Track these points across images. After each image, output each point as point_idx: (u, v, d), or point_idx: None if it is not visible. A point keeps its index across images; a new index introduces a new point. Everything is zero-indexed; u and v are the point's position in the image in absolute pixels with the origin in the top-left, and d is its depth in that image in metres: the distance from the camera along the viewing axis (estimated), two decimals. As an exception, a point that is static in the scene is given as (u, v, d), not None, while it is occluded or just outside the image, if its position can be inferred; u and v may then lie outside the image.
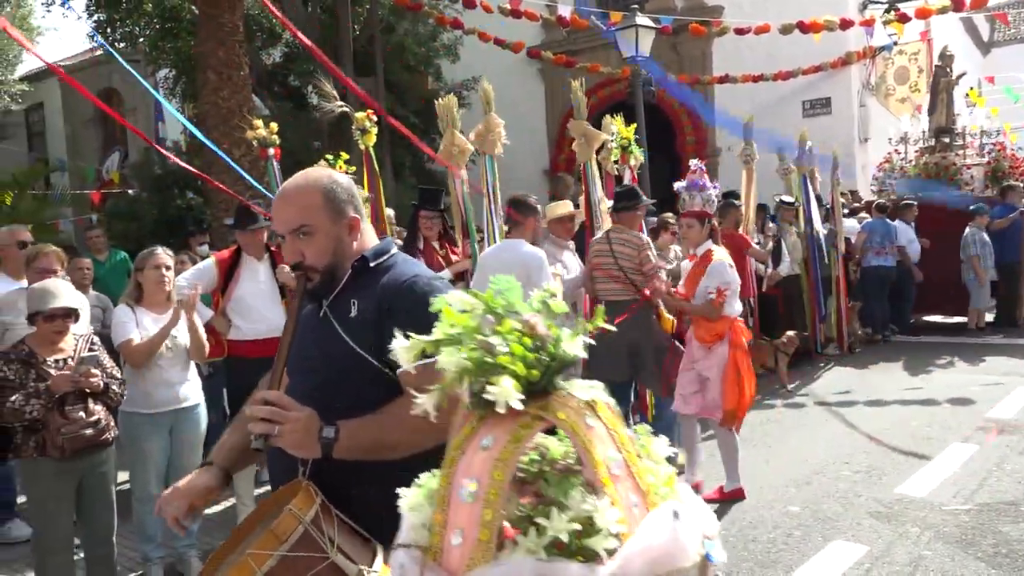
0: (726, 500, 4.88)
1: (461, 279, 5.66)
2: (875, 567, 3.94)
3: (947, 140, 12.45)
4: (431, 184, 8.82)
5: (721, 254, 4.98)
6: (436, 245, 5.67)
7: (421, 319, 1.83)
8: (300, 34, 6.74)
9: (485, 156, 5.56)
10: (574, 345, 0.61)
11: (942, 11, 12.34)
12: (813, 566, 4.00)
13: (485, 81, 5.87)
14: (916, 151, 12.74)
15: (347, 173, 4.26)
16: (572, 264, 5.91)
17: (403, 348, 0.75)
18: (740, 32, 13.36)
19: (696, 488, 4.97)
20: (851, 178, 13.01)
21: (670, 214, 8.38)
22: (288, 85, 16.13)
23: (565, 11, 13.68)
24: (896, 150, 13.09)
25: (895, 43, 14.59)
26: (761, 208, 9.54)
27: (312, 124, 14.59)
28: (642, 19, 10.87)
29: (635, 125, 6.24)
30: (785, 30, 12.96)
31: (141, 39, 15.51)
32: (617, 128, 6.09)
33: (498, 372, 0.53)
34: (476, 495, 0.52)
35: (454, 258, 5.75)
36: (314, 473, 1.79)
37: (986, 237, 10.24)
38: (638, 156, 6.30)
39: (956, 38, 20.90)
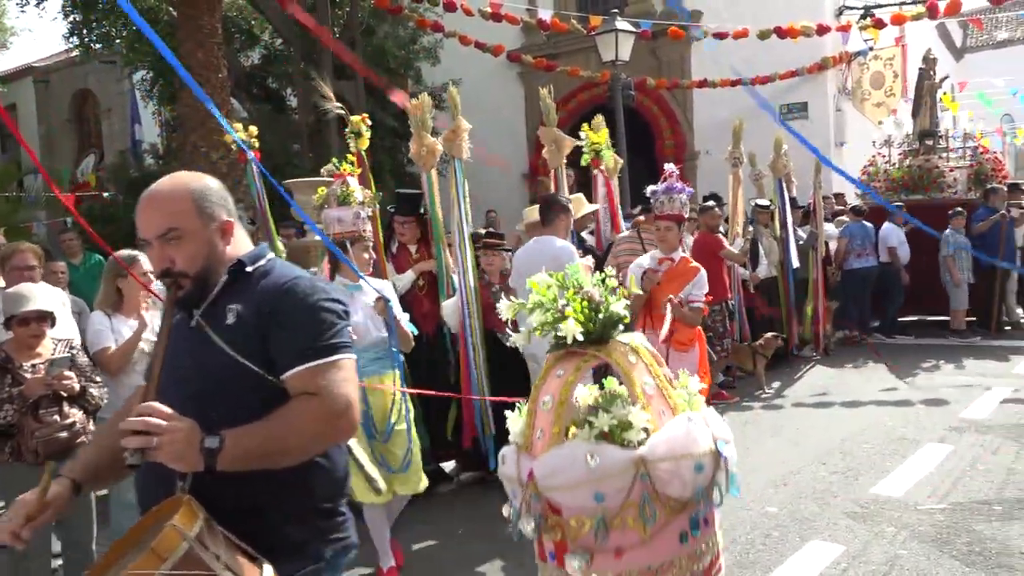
0: None
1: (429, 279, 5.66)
2: (852, 567, 3.99)
3: (930, 143, 12.61)
4: (412, 187, 8.79)
5: (695, 262, 5.12)
6: (413, 248, 5.66)
7: (306, 320, 1.82)
8: (334, 43, 6.67)
9: (454, 160, 5.56)
10: (620, 306, 0.85)
11: (917, 17, 12.54)
12: (791, 566, 4.04)
13: (452, 86, 5.87)
14: (899, 154, 12.89)
15: (352, 175, 4.25)
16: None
17: (504, 307, 0.97)
18: (719, 36, 13.46)
19: None
20: (827, 182, 13.13)
21: (643, 216, 8.44)
22: (267, 87, 16.07)
23: (545, 15, 13.74)
24: (880, 153, 13.25)
25: (870, 48, 14.80)
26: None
27: (291, 127, 14.54)
28: (622, 24, 10.95)
29: (606, 130, 6.27)
30: (763, 35, 13.10)
31: (118, 40, 15.40)
32: (587, 134, 6.13)
33: (564, 319, 0.78)
34: (550, 405, 0.76)
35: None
36: (195, 487, 1.69)
37: (963, 239, 10.36)
38: (609, 160, 6.33)
39: (930, 44, 21.21)
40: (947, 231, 10.34)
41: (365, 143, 5.24)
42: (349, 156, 4.50)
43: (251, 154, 5.07)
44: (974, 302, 10.66)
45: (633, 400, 0.73)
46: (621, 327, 0.77)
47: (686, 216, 5.09)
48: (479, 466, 5.70)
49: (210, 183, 1.95)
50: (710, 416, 0.76)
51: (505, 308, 0.93)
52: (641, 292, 4.79)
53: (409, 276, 5.51)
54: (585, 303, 0.81)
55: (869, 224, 10.68)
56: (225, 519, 1.68)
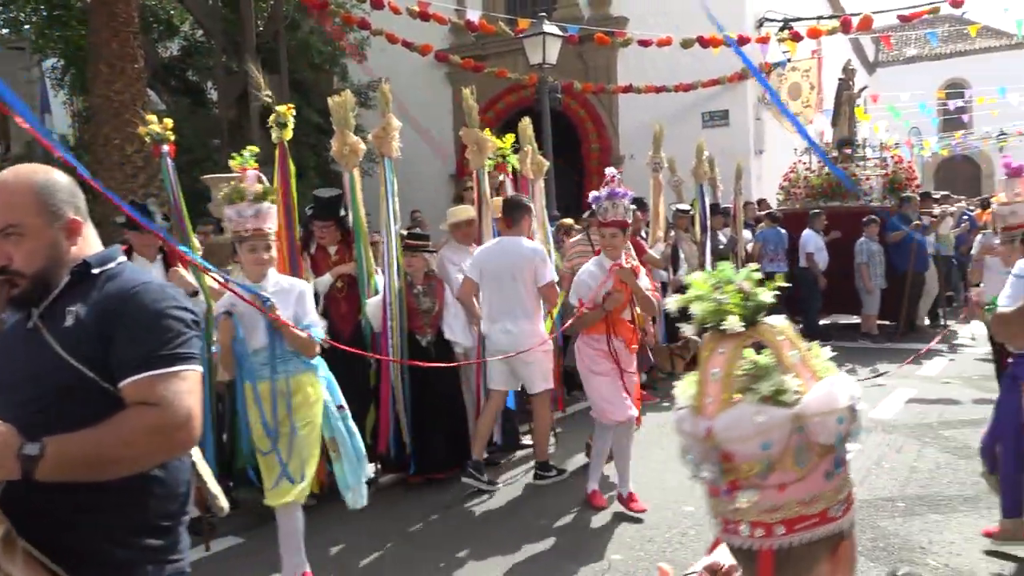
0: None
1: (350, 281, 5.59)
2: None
3: (848, 151, 13.07)
4: (337, 185, 8.63)
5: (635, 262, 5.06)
6: (332, 250, 5.56)
7: (151, 327, 1.74)
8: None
9: (383, 158, 5.50)
10: (767, 295, 1.15)
11: (831, 32, 13.02)
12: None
13: (384, 83, 5.80)
14: (819, 162, 13.35)
15: (256, 169, 4.10)
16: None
17: (673, 302, 1.26)
18: (643, 44, 13.70)
19: (594, 497, 4.99)
20: (747, 188, 13.50)
21: (570, 219, 8.50)
22: (186, 80, 15.60)
23: (473, 16, 13.72)
24: (800, 160, 13.70)
25: (788, 60, 15.27)
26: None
27: (211, 120, 14.15)
28: (549, 27, 11.02)
29: (512, 137, 6.30)
30: (685, 44, 13.39)
31: (26, 26, 14.72)
32: (491, 140, 6.12)
33: (726, 313, 1.12)
34: (719, 376, 1.08)
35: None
36: (9, 495, 1.59)
37: (875, 247, 10.75)
38: (514, 164, 6.39)
39: (844, 57, 22.03)
40: (861, 239, 10.75)
41: (288, 134, 5.11)
42: (251, 148, 4.31)
43: (164, 147, 4.89)
44: (886, 307, 11.10)
45: (784, 370, 1.06)
46: (765, 312, 1.11)
47: (630, 221, 4.97)
48: (399, 469, 5.64)
49: (58, 178, 1.84)
50: (844, 379, 1.09)
51: (674, 303, 1.22)
52: (603, 309, 4.73)
53: (327, 279, 5.41)
54: (739, 294, 1.12)
55: (783, 230, 11.04)
56: (42, 532, 1.59)
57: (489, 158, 6.24)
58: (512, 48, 14.26)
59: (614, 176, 4.95)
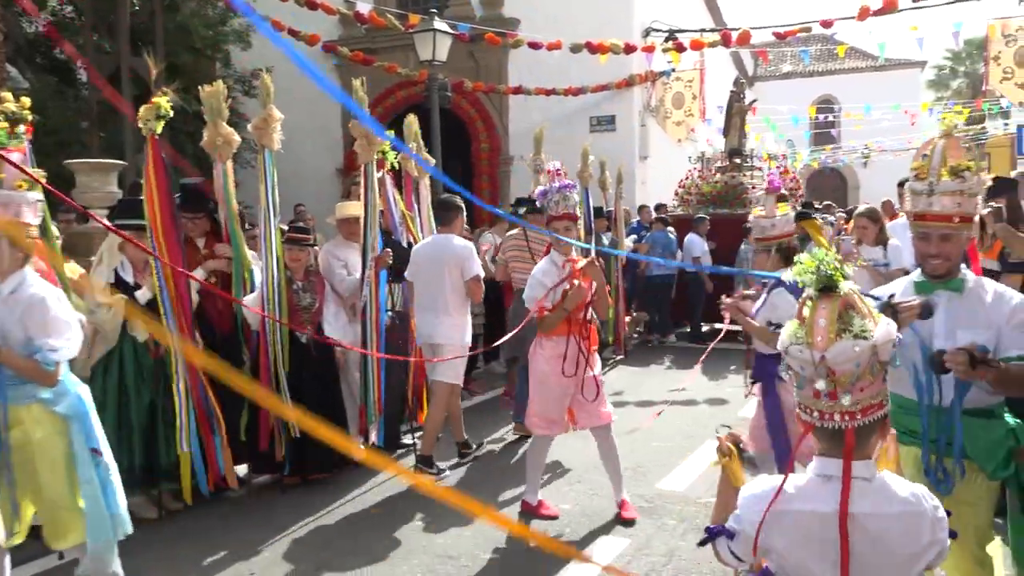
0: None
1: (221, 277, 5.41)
2: (635, 558, 4.20)
3: (738, 161, 13.59)
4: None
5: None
6: (201, 243, 5.34)
7: None
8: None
9: (264, 150, 5.32)
10: (848, 270, 1.78)
11: (713, 44, 13.53)
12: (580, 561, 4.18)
13: (266, 74, 5.62)
14: (712, 170, 13.84)
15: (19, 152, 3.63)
16: (356, 264, 5.83)
17: (795, 271, 1.84)
18: (533, 46, 13.84)
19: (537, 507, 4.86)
20: (631, 193, 13.86)
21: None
22: (53, 58, 14.65)
23: (364, 8, 13.50)
24: (695, 168, 14.17)
25: (673, 70, 15.77)
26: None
27: (80, 102, 13.36)
28: (440, 24, 10.95)
29: (391, 132, 6.25)
30: (575, 49, 13.61)
31: None
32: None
33: (831, 281, 1.74)
34: (824, 324, 1.69)
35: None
36: None
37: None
38: (393, 162, 6.35)
39: (726, 70, 22.95)
40: (743, 246, 11.18)
41: (160, 127, 4.86)
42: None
43: (20, 128, 4.53)
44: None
45: (864, 316, 1.72)
46: (844, 278, 1.77)
47: (579, 215, 4.82)
48: (273, 469, 5.47)
49: None
50: (889, 321, 1.76)
51: (789, 274, 1.92)
52: (564, 309, 4.48)
53: (199, 274, 5.18)
54: (838, 269, 1.75)
55: (672, 234, 11.40)
56: None
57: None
58: (403, 43, 14.09)
59: (559, 169, 4.82)
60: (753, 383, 4.26)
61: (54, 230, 4.73)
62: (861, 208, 6.60)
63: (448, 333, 5.66)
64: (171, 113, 4.85)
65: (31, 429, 3.26)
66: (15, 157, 3.32)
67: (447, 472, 5.77)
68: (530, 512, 4.85)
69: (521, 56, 15.03)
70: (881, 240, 6.13)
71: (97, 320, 4.73)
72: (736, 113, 14.01)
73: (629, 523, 4.69)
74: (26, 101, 4.62)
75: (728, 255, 11.28)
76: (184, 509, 5.04)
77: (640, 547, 4.34)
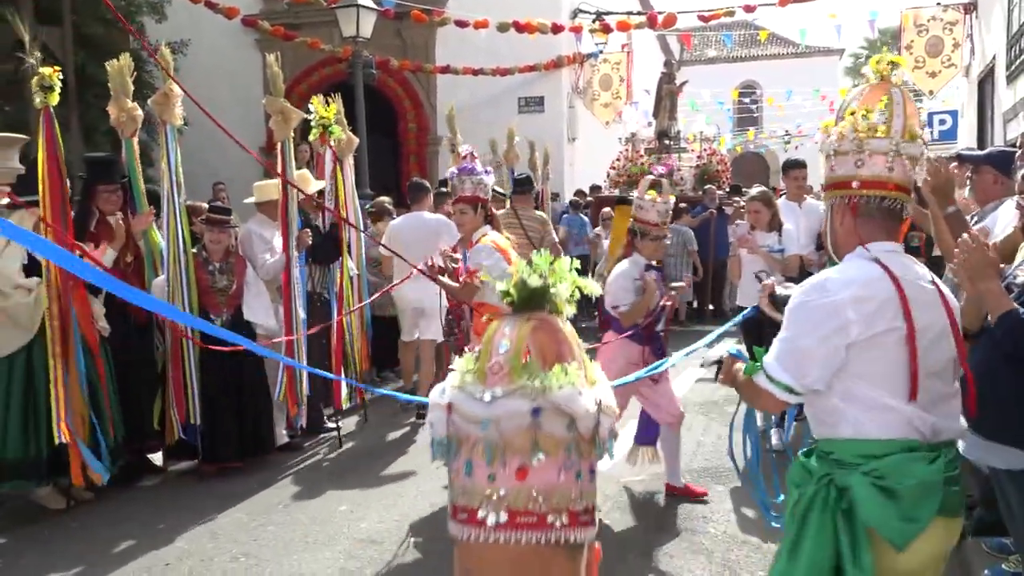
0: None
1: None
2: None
3: (667, 143, 13.72)
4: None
5: (491, 238, 4.66)
6: (113, 221, 5.11)
7: None
8: None
9: (165, 125, 5.13)
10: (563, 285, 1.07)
11: (639, 26, 13.63)
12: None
13: (166, 48, 5.41)
14: (640, 151, 13.95)
15: None
16: (279, 245, 5.67)
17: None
18: (460, 24, 13.68)
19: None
20: (559, 175, 13.90)
21: (387, 199, 8.35)
22: (-50, 26, 13.79)
23: (285, -20, 13.13)
24: (625, 150, 14.26)
25: (601, 52, 15.82)
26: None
27: (-21, 74, 12.62)
28: (364, -1, 10.72)
29: (335, 106, 6.06)
30: (502, 28, 13.51)
31: None
32: (316, 108, 5.90)
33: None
34: (507, 351, 0.98)
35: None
36: None
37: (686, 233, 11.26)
38: (340, 136, 6.15)
39: (653, 54, 23.18)
40: (675, 226, 11.31)
41: (55, 99, 4.64)
42: None
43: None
44: (697, 294, 11.76)
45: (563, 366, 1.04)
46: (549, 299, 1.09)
47: (486, 198, 4.75)
48: (191, 455, 5.31)
49: None
50: (600, 389, 1.02)
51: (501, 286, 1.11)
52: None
53: (110, 255, 4.95)
54: (546, 280, 1.08)
55: (585, 217, 11.50)
56: None
57: (314, 129, 5.98)
58: (327, 19, 13.73)
59: (470, 152, 4.78)
60: None
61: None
62: (753, 191, 6.20)
63: (432, 298, 6.02)
64: (58, 84, 4.62)
65: None
66: None
67: None
68: None
69: (449, 35, 14.85)
70: (775, 225, 5.79)
71: (9, 306, 4.48)
72: (666, 95, 14.15)
73: None
74: None
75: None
76: (96, 499, 4.85)
77: (565, 527, 4.35)
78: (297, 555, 4.08)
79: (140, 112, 5.15)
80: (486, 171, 4.70)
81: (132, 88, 5.12)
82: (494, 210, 4.95)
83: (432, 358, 6.75)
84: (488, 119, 10.90)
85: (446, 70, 14.92)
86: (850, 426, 1.99)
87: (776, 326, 2.18)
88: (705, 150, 14.36)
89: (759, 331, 4.31)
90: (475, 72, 14.75)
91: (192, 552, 4.14)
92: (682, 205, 11.51)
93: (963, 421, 2.12)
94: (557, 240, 7.53)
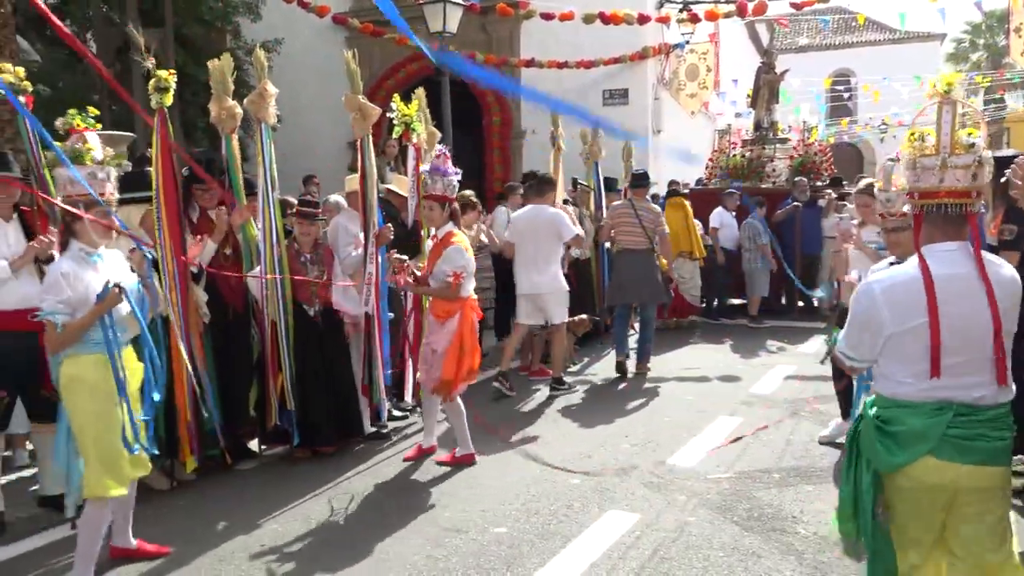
0: (458, 464, 5.29)
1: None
2: (645, 534, 4.18)
3: (763, 134, 13.38)
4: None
5: (460, 238, 5.15)
6: (214, 214, 5.31)
7: None
8: None
9: (260, 124, 5.30)
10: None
11: (728, 15, 13.30)
12: (589, 535, 4.17)
13: (260, 49, 5.60)
14: (740, 143, 13.67)
15: (91, 130, 3.77)
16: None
17: None
18: (546, 17, 13.65)
19: (429, 452, 5.43)
20: (643, 167, 13.71)
21: (471, 192, 8.41)
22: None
23: (374, -21, 13.34)
24: (732, 141, 13.99)
25: (687, 42, 15.55)
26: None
27: (90, 75, 13.30)
28: (451, -5, 10.80)
29: (416, 103, 6.14)
30: (587, 19, 13.42)
31: None
32: (397, 106, 6.00)
33: None
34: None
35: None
36: None
37: (759, 226, 10.97)
38: (422, 133, 6.23)
39: (741, 43, 22.64)
40: (747, 219, 11.05)
41: (168, 100, 4.84)
42: (92, 110, 4.00)
43: (18, 100, 4.49)
44: (774, 287, 11.44)
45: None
46: None
47: (452, 197, 5.20)
48: (284, 441, 5.49)
49: None
50: None
51: None
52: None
53: (211, 247, 5.16)
54: None
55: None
56: None
57: (394, 125, 6.10)
58: (413, 15, 13.91)
59: (443, 152, 5.17)
60: None
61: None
62: (861, 184, 5.90)
63: (550, 283, 7.09)
64: (172, 85, 4.81)
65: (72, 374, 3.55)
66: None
67: (576, 387, 7.39)
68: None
69: (533, 29, 14.84)
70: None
71: None
72: (764, 85, 13.75)
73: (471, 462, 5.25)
74: (20, 71, 4.60)
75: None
76: (196, 481, 5.07)
77: (649, 523, 4.32)
78: (385, 541, 4.17)
79: (239, 110, 5.31)
80: (456, 172, 5.11)
81: (232, 87, 5.29)
82: (454, 208, 5.27)
83: (562, 340, 7.37)
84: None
85: (530, 64, 14.91)
86: (883, 387, 2.56)
87: None
88: (801, 140, 13.90)
89: None
90: (559, 65, 14.68)
91: (285, 534, 4.29)
92: (755, 198, 11.18)
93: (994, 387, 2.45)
94: (665, 228, 8.11)
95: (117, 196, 3.77)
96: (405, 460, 5.44)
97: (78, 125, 3.82)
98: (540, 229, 7.10)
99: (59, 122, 3.92)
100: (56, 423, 4.27)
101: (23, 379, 4.38)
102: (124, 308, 3.61)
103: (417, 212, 6.22)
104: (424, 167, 5.19)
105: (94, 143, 3.64)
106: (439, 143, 6.39)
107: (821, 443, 5.17)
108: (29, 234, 4.47)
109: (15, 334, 4.27)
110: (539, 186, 7.43)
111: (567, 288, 7.31)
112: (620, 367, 7.88)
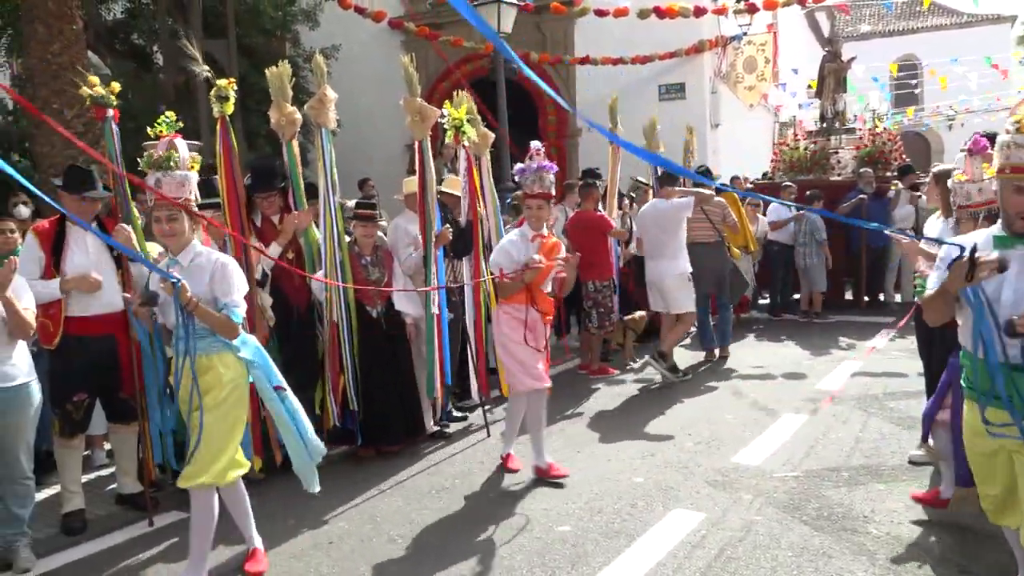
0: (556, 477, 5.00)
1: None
2: (711, 533, 4.13)
3: (836, 124, 13.08)
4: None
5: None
6: (277, 220, 5.43)
7: None
8: None
9: (320, 129, 5.38)
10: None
11: (787, 4, 13.03)
12: (654, 534, 4.14)
13: (318, 54, 5.69)
14: (802, 135, 13.41)
15: (177, 136, 3.91)
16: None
17: None
18: (600, 13, 13.58)
19: (549, 470, 5.00)
20: (702, 162, 13.54)
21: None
22: (131, 44, 15.07)
23: (428, -18, 13.48)
24: (796, 134, 13.74)
25: (745, 34, 15.30)
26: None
27: (157, 87, 13.73)
28: (505, -5, 10.84)
29: (466, 106, 6.15)
30: (642, 14, 13.32)
31: (-40, -15, 14.03)
32: (448, 110, 6.03)
33: None
34: None
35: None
36: None
37: (817, 221, 10.69)
38: (472, 136, 6.25)
39: (800, 32, 22.18)
40: (805, 214, 10.77)
41: (230, 108, 4.96)
42: (168, 114, 4.10)
43: (109, 112, 4.69)
44: (837, 281, 11.16)
45: None
46: None
47: (554, 194, 5.11)
48: (349, 440, 5.58)
49: None
50: None
51: None
52: (523, 280, 4.80)
53: (275, 250, 5.27)
54: None
55: None
56: None
57: (445, 128, 6.14)
58: (468, 17, 14.02)
59: (539, 149, 5.08)
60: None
61: (135, 211, 4.88)
62: (939, 168, 5.33)
63: (673, 277, 7.55)
64: (233, 94, 4.93)
65: (222, 371, 3.61)
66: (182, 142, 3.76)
67: (690, 375, 7.66)
68: (541, 475, 5.02)
69: (587, 26, 14.79)
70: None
71: None
72: (829, 74, 13.41)
73: (561, 483, 4.89)
74: (116, 86, 4.77)
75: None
76: (264, 479, 5.18)
77: (715, 522, 4.27)
78: (453, 540, 4.21)
79: (299, 116, 5.40)
80: (552, 167, 5.01)
81: (291, 93, 5.39)
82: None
83: (684, 325, 7.78)
84: (628, 108, 10.69)
85: (585, 61, 14.87)
86: (964, 342, 2.94)
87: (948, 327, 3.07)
88: (868, 130, 13.50)
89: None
90: (614, 62, 14.61)
91: (353, 532, 4.36)
92: (813, 191, 10.89)
93: None
94: (734, 218, 8.59)
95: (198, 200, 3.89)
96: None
97: (163, 133, 3.90)
98: (661, 221, 7.59)
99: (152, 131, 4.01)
100: (127, 424, 4.49)
101: (103, 381, 4.55)
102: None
103: (472, 211, 6.26)
104: (520, 166, 5.07)
105: (181, 148, 3.72)
106: (524, 144, 6.33)
107: (912, 463, 4.95)
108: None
109: (98, 338, 4.44)
110: (662, 182, 7.93)
111: (689, 278, 7.69)
112: (709, 355, 8.50)
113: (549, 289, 5.09)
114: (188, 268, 3.62)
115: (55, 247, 4.49)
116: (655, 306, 7.90)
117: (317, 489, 3.98)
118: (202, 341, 3.60)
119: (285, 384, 3.84)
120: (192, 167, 3.74)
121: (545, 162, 4.98)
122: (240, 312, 3.65)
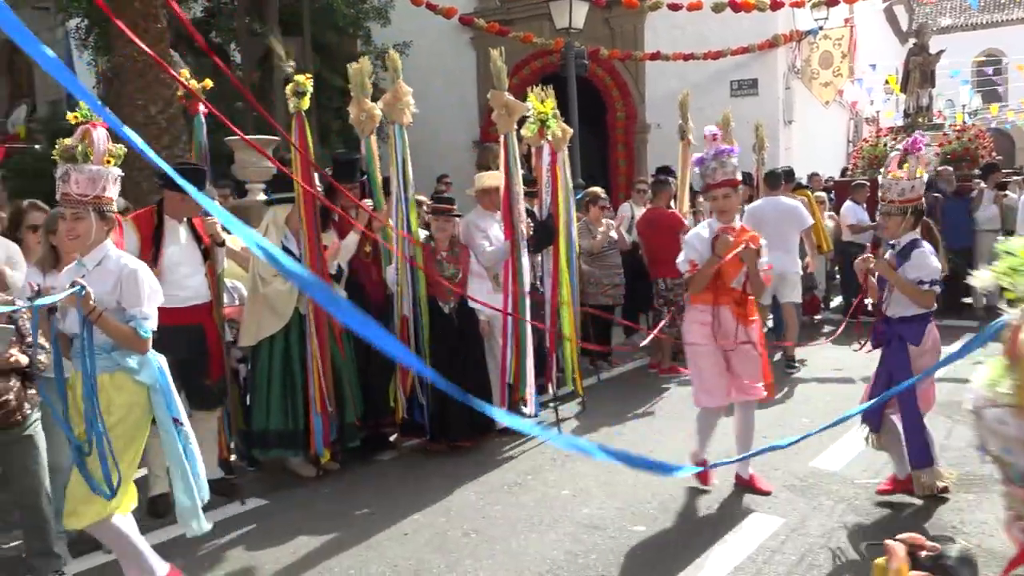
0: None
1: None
2: (790, 538, 4.04)
3: (921, 120, 12.67)
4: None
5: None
6: (354, 214, 5.50)
7: None
8: None
9: (394, 125, 5.41)
10: None
11: (867, -2, 12.63)
12: (732, 538, 4.07)
13: (392, 50, 5.73)
14: (883, 131, 13.06)
15: (96, 125, 3.25)
16: (498, 236, 5.85)
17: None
18: (673, 8, 13.40)
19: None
20: (775, 159, 13.26)
21: (599, 189, 8.36)
22: (210, 41, 15.48)
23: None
24: (880, 130, 13.40)
25: (820, 28, 14.91)
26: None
27: (238, 83, 14.04)
28: (576, -10, 10.79)
29: (551, 100, 6.11)
30: (717, 8, 13.09)
31: (51, -15, 14.64)
32: (533, 104, 5.98)
33: None
34: None
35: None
36: None
37: (865, 218, 10.27)
38: (556, 130, 6.20)
39: (878, 27, 21.52)
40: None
41: (306, 104, 5.03)
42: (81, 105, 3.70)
43: (200, 107, 4.83)
44: None
45: None
46: None
47: (740, 180, 4.68)
48: (421, 434, 5.63)
49: None
50: None
51: (985, 275, 1.07)
52: (717, 257, 4.34)
53: (352, 239, 5.34)
54: None
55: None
56: None
57: (531, 123, 6.11)
58: (538, 12, 14.00)
59: (716, 134, 4.69)
60: (875, 346, 4.59)
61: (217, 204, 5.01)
62: None
63: (788, 266, 7.67)
64: (310, 90, 4.99)
65: (113, 395, 3.22)
66: (101, 132, 3.25)
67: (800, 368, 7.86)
68: (742, 484, 4.73)
69: (657, 21, 14.62)
70: None
71: (269, 292, 4.96)
72: (914, 68, 12.95)
73: (765, 494, 4.62)
74: (208, 82, 4.90)
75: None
76: (341, 469, 5.27)
77: (795, 527, 4.17)
78: (524, 535, 4.21)
79: (378, 112, 5.45)
80: (735, 151, 4.58)
81: (371, 89, 5.44)
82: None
83: (793, 319, 8.05)
84: (699, 104, 10.54)
85: (656, 56, 14.69)
86: None
87: None
88: (952, 126, 13.03)
89: None
90: (685, 57, 14.40)
91: (426, 525, 4.39)
92: (860, 182, 10.48)
93: None
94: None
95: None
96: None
97: (77, 118, 3.39)
98: (777, 217, 7.72)
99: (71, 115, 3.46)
100: (210, 411, 4.58)
101: (189, 368, 4.67)
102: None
103: (554, 205, 6.24)
104: (699, 156, 4.65)
105: (99, 140, 3.26)
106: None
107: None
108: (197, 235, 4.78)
109: (187, 328, 4.56)
110: (773, 180, 8.18)
111: (799, 272, 7.98)
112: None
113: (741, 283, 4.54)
114: (92, 272, 3.24)
115: (155, 236, 4.62)
116: (763, 300, 7.58)
117: (204, 530, 3.47)
118: (100, 358, 3.17)
119: (184, 418, 3.42)
120: (108, 161, 3.26)
121: (724, 145, 4.58)
122: (149, 325, 3.28)
